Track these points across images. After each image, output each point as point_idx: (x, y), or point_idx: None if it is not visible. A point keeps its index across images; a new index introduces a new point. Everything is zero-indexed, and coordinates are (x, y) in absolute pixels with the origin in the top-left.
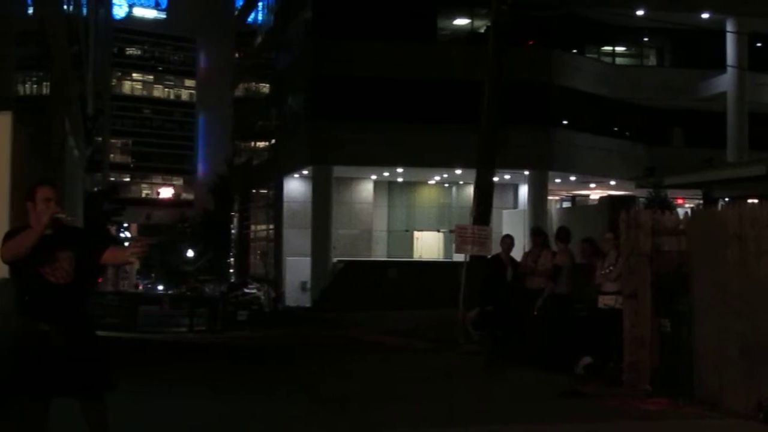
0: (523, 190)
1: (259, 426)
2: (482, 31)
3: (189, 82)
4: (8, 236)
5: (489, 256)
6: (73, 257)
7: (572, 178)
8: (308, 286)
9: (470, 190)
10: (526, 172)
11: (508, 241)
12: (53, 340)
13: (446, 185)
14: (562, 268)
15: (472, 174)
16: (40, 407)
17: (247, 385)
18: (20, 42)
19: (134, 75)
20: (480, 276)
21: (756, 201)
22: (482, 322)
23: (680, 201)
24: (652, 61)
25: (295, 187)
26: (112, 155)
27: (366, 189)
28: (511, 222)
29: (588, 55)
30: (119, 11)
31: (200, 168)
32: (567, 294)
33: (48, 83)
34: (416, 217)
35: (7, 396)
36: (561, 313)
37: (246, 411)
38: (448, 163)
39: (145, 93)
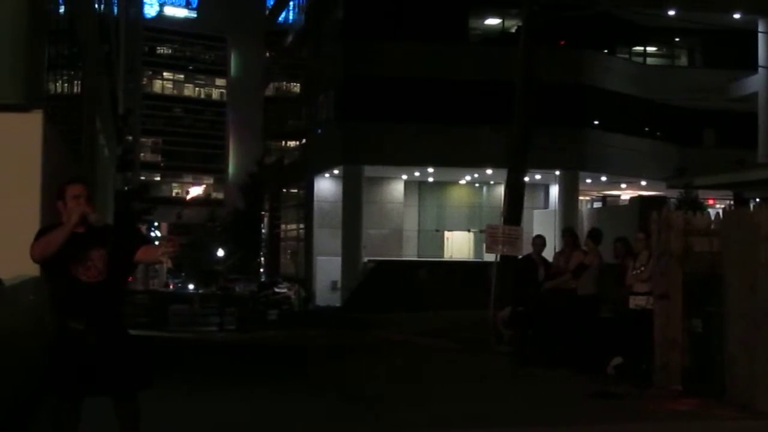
0: (554, 190)
1: (288, 425)
2: (513, 31)
3: (220, 81)
4: (39, 235)
5: (520, 257)
6: (105, 255)
7: (603, 179)
8: (338, 285)
9: (501, 190)
10: (557, 173)
11: (539, 242)
12: (87, 339)
13: (477, 185)
14: (588, 267)
15: (502, 174)
16: (72, 406)
17: (277, 384)
18: (51, 41)
19: (165, 74)
20: (511, 276)
21: None
22: (514, 322)
23: (711, 202)
24: (684, 61)
25: (326, 186)
26: (142, 154)
27: (397, 189)
28: (542, 222)
29: (619, 56)
30: (150, 10)
31: (231, 167)
32: (594, 294)
33: (79, 82)
34: (447, 217)
35: (40, 395)
36: (589, 313)
37: (276, 410)
38: (478, 163)
39: (175, 92)
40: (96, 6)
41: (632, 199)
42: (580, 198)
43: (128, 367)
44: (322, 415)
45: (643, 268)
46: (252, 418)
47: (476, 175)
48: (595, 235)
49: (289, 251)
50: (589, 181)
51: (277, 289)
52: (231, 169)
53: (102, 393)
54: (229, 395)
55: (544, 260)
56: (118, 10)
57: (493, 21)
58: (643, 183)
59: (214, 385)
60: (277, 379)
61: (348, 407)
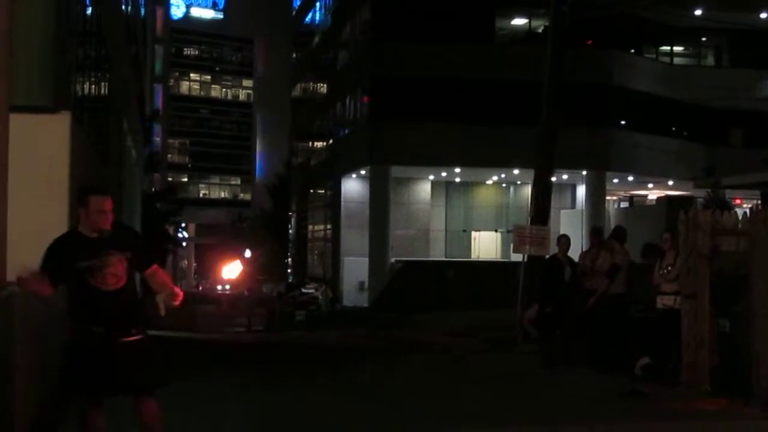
0: (581, 191)
1: (315, 424)
2: (540, 31)
3: (247, 83)
4: (49, 252)
5: (547, 257)
6: (125, 260)
7: (630, 179)
8: (366, 286)
9: (528, 190)
10: (584, 173)
11: (564, 241)
12: (105, 344)
13: (504, 185)
14: (621, 267)
15: (529, 174)
16: (96, 405)
17: (307, 384)
18: (79, 43)
19: (192, 75)
20: (538, 276)
21: None
22: (541, 322)
23: (738, 201)
24: (710, 61)
25: (353, 187)
26: (169, 155)
27: (424, 189)
28: (569, 222)
29: (646, 56)
30: (177, 12)
31: (258, 168)
32: (623, 294)
33: (106, 83)
34: (474, 217)
35: (65, 397)
36: (617, 313)
37: (305, 409)
38: (505, 163)
39: (202, 93)
40: (123, 7)
41: (659, 199)
42: (607, 198)
43: (146, 368)
44: (350, 415)
45: (670, 268)
46: (281, 417)
47: (503, 175)
48: (620, 234)
49: (316, 252)
50: (616, 181)
51: (304, 290)
52: (258, 170)
53: (120, 393)
54: (256, 395)
55: (570, 260)
56: (145, 11)
57: (520, 21)
58: (670, 183)
59: (242, 386)
60: (307, 379)
61: (376, 406)
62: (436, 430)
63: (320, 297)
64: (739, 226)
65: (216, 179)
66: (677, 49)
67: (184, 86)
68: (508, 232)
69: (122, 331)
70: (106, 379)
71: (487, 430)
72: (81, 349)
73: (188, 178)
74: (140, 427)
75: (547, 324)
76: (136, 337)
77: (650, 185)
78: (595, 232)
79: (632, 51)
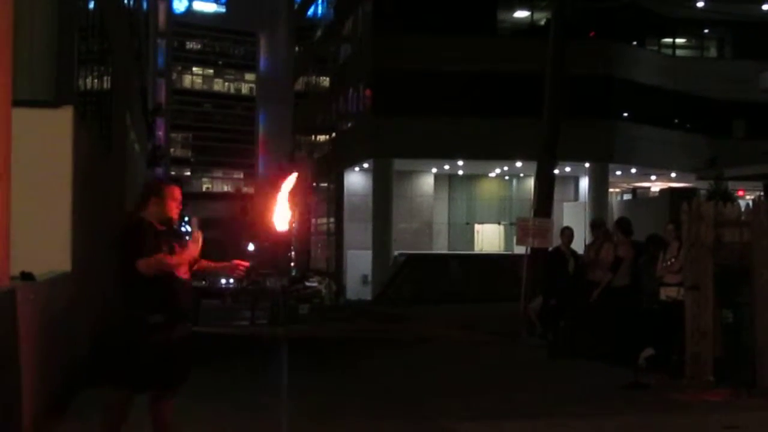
0: (584, 183)
1: (318, 416)
2: (542, 23)
3: (249, 77)
4: (135, 240)
5: (550, 249)
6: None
7: (633, 170)
8: (369, 279)
9: (531, 183)
10: (587, 165)
11: (567, 233)
12: (171, 334)
13: (507, 178)
14: (624, 259)
15: (532, 166)
16: (131, 399)
17: (310, 376)
18: (82, 37)
19: (194, 69)
20: (541, 268)
21: None
22: (545, 315)
23: (741, 193)
24: (713, 53)
25: (356, 180)
26: (172, 149)
27: (426, 182)
28: (572, 214)
29: (648, 47)
30: (179, 6)
31: (261, 162)
32: (627, 286)
33: (109, 78)
34: (477, 210)
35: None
36: (622, 305)
37: (307, 401)
38: (508, 156)
39: (205, 87)
40: (126, 1)
41: (662, 190)
42: (610, 190)
43: (189, 363)
44: (360, 407)
45: (673, 260)
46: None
47: (506, 168)
48: (624, 225)
49: (319, 245)
50: (619, 173)
51: (308, 283)
52: (261, 163)
53: (164, 387)
54: (261, 390)
55: (574, 252)
56: (147, 5)
57: (522, 13)
58: (673, 175)
59: (248, 382)
60: (311, 372)
61: (381, 399)
62: (441, 422)
63: (324, 290)
64: (742, 217)
65: (219, 173)
66: (680, 40)
67: (187, 80)
68: (511, 224)
69: (185, 322)
70: (165, 371)
71: (491, 422)
72: (142, 340)
73: (191, 172)
74: (158, 427)
75: (551, 316)
76: (188, 329)
77: (653, 177)
78: (597, 224)
79: (635, 43)
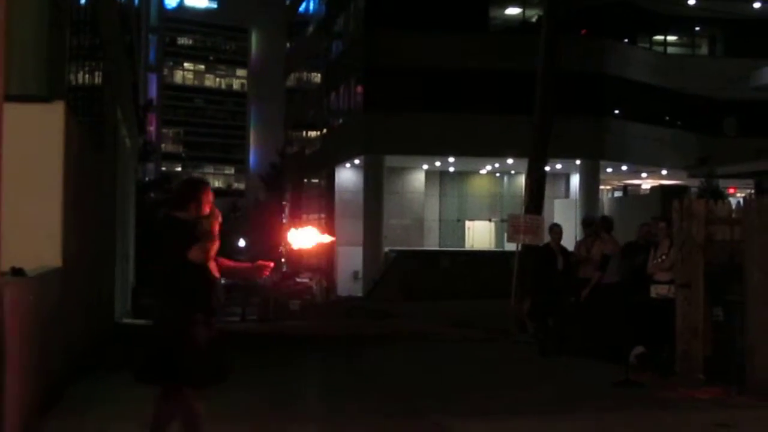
0: (575, 180)
1: (311, 411)
2: (534, 20)
3: (241, 72)
4: (181, 236)
5: (540, 246)
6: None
7: (624, 168)
8: (360, 275)
9: (522, 180)
10: (578, 162)
11: (557, 230)
12: (210, 330)
13: (498, 175)
14: (611, 257)
15: (523, 163)
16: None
17: (303, 372)
18: (73, 31)
19: (186, 65)
20: (531, 266)
21: None
22: (534, 312)
23: (732, 191)
24: (704, 50)
25: (347, 176)
26: (163, 145)
27: (417, 178)
28: (563, 212)
29: (640, 45)
30: (171, 1)
31: (252, 157)
32: (617, 283)
33: (100, 73)
34: (468, 207)
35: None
36: (611, 302)
37: (300, 396)
38: (499, 153)
39: (196, 83)
40: None
41: (653, 188)
42: (601, 187)
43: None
44: (352, 404)
45: (664, 257)
46: (278, 405)
47: (497, 165)
48: (606, 223)
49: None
50: (609, 170)
51: (298, 279)
52: (252, 159)
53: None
54: (248, 385)
55: (563, 249)
56: (139, 0)
57: (513, 10)
58: (664, 172)
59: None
60: (303, 368)
61: (371, 395)
62: (426, 416)
63: (314, 286)
64: (733, 215)
65: (210, 169)
66: (671, 38)
67: (178, 76)
68: (502, 221)
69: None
70: (216, 366)
71: (483, 419)
72: (192, 336)
73: (182, 167)
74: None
75: (541, 313)
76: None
77: (644, 174)
78: (588, 221)
79: (626, 40)
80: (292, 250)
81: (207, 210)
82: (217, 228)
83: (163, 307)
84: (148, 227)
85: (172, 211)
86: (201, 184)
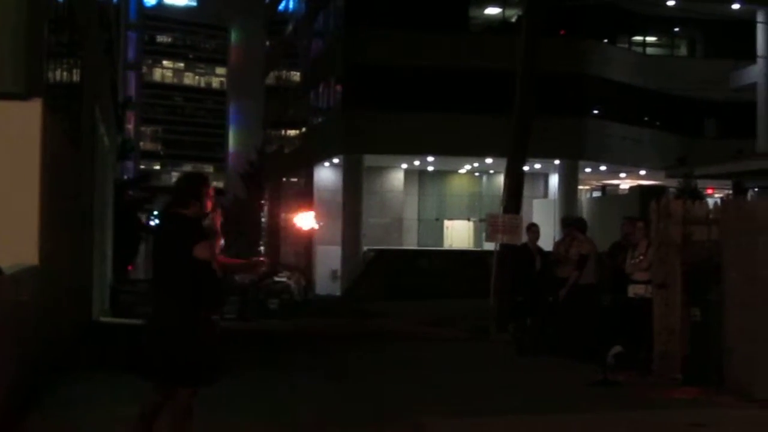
0: (554, 180)
1: (289, 412)
2: (514, 20)
3: (220, 70)
4: (188, 234)
5: (518, 245)
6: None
7: (602, 168)
8: (338, 274)
9: (501, 179)
10: (557, 162)
11: (534, 230)
12: (216, 329)
13: (477, 174)
14: (588, 256)
15: (502, 163)
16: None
17: (281, 372)
18: (51, 29)
19: (165, 63)
20: (509, 265)
21: None
22: (513, 312)
23: (710, 191)
24: (684, 51)
25: (326, 175)
26: (142, 143)
27: (397, 178)
28: (542, 211)
29: (619, 45)
30: None
31: (231, 156)
32: (593, 283)
33: (79, 70)
34: (447, 206)
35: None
36: (588, 302)
37: (277, 396)
38: (478, 152)
39: (176, 81)
40: None
41: (632, 188)
42: (580, 187)
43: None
44: (323, 403)
45: (642, 257)
46: (255, 403)
47: (476, 164)
48: (581, 225)
49: (289, 240)
50: (588, 170)
51: (277, 278)
52: (231, 157)
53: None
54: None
55: (540, 249)
56: None
57: (493, 10)
58: (643, 172)
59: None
60: (280, 367)
61: (349, 395)
62: (408, 418)
63: (293, 285)
64: (710, 215)
65: (189, 167)
66: (650, 39)
67: (158, 74)
68: (481, 221)
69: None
70: (206, 367)
71: (461, 419)
72: (195, 334)
73: (161, 165)
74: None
75: (519, 313)
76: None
77: (623, 175)
78: (567, 221)
79: (606, 41)
80: (271, 247)
81: (209, 205)
82: (219, 225)
83: (168, 305)
84: (127, 225)
85: (174, 207)
86: (202, 180)
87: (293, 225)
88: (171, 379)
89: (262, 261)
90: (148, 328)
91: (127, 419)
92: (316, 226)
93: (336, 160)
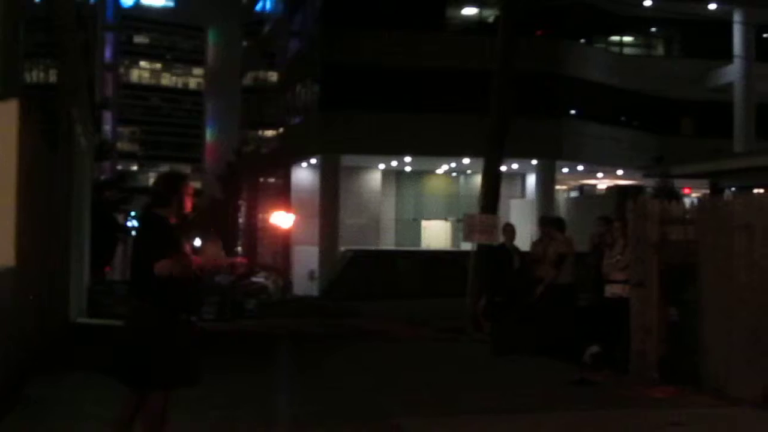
0: (531, 180)
1: (265, 413)
2: (491, 20)
3: (197, 71)
4: (157, 240)
5: (495, 245)
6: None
7: (580, 168)
8: (316, 275)
9: (478, 180)
10: (534, 162)
11: (510, 229)
12: (193, 330)
13: (454, 174)
14: (566, 256)
15: (480, 163)
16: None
17: (257, 372)
18: (28, 29)
19: (142, 63)
20: (487, 265)
21: (762, 191)
22: (490, 312)
23: (687, 191)
24: (660, 51)
25: (304, 176)
26: (119, 144)
27: (374, 178)
28: (519, 211)
29: (596, 45)
30: None
31: (208, 157)
32: (571, 283)
33: (56, 71)
34: (424, 207)
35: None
36: (565, 302)
37: (253, 397)
38: (456, 153)
39: (153, 81)
40: None
41: (609, 188)
42: (557, 187)
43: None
44: (301, 403)
45: (619, 257)
46: (229, 405)
47: (453, 165)
48: (559, 224)
49: (266, 240)
50: (566, 170)
51: (254, 279)
52: (208, 158)
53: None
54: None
55: (516, 249)
56: None
57: (470, 10)
58: (620, 172)
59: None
60: (257, 368)
61: (327, 395)
62: (385, 419)
63: (270, 286)
64: (687, 215)
65: (166, 167)
66: (627, 39)
67: (135, 74)
68: (458, 221)
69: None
70: (190, 367)
71: (437, 419)
72: (173, 336)
73: (138, 166)
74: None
75: (497, 312)
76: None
77: (600, 175)
78: (545, 221)
79: (583, 41)
80: (249, 248)
81: (189, 205)
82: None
83: (146, 307)
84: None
85: (152, 208)
86: (180, 179)
87: (271, 225)
88: (147, 382)
89: (242, 262)
90: (126, 330)
91: (104, 420)
92: (291, 224)
93: (313, 161)
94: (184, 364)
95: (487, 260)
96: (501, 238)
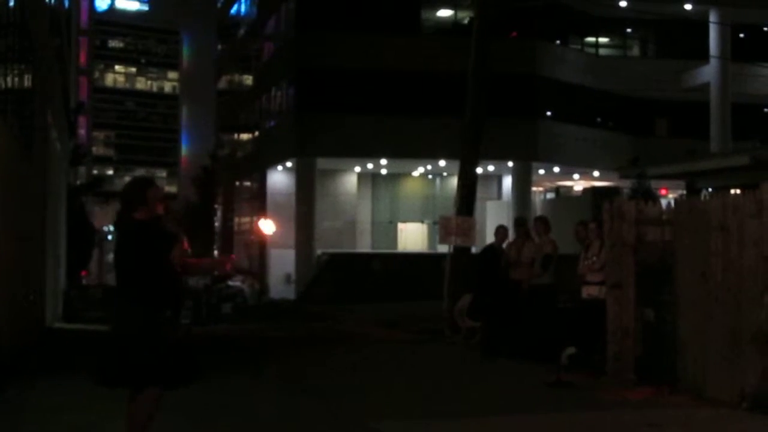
0: (507, 182)
1: (243, 418)
2: (466, 22)
3: (172, 75)
4: (155, 234)
5: (479, 246)
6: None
7: (556, 169)
8: (292, 278)
9: (454, 182)
10: (510, 164)
11: (502, 231)
12: (177, 329)
13: (430, 177)
14: (552, 256)
15: (456, 165)
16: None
17: (234, 377)
18: (2, 34)
19: (117, 67)
20: (464, 267)
21: (738, 191)
22: (477, 312)
23: (664, 191)
24: (636, 51)
25: (279, 179)
26: (95, 148)
27: (350, 181)
28: (495, 213)
29: (571, 46)
30: (101, 3)
31: (184, 160)
32: (551, 284)
33: (30, 76)
34: (400, 209)
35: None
36: (545, 303)
37: (231, 403)
38: (432, 155)
39: (128, 85)
40: None
41: (585, 189)
42: (534, 189)
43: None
44: (279, 407)
45: (595, 258)
46: (206, 409)
47: (429, 167)
48: (547, 223)
49: (242, 244)
50: (542, 172)
51: (230, 283)
52: (184, 162)
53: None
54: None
55: (503, 250)
56: (69, 3)
57: (445, 12)
58: (596, 174)
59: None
60: (234, 372)
61: (304, 399)
62: (361, 422)
63: (246, 289)
64: (664, 216)
65: (142, 172)
66: (603, 40)
67: (109, 78)
68: (435, 223)
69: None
70: (170, 367)
71: (416, 422)
72: (161, 336)
73: (114, 170)
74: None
75: (484, 313)
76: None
77: (576, 176)
78: (519, 222)
79: (558, 42)
80: (225, 251)
81: (160, 209)
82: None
83: (132, 310)
84: (80, 230)
85: (126, 213)
86: (146, 184)
87: (247, 229)
88: (136, 383)
89: (227, 259)
90: (113, 335)
91: (77, 425)
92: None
93: (289, 164)
94: (172, 365)
95: (477, 260)
96: (482, 241)
